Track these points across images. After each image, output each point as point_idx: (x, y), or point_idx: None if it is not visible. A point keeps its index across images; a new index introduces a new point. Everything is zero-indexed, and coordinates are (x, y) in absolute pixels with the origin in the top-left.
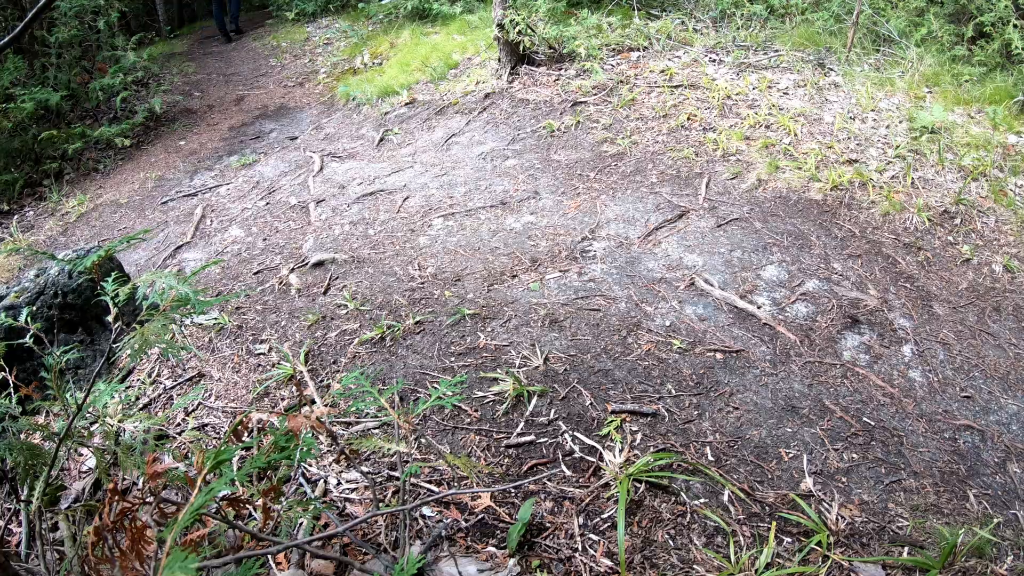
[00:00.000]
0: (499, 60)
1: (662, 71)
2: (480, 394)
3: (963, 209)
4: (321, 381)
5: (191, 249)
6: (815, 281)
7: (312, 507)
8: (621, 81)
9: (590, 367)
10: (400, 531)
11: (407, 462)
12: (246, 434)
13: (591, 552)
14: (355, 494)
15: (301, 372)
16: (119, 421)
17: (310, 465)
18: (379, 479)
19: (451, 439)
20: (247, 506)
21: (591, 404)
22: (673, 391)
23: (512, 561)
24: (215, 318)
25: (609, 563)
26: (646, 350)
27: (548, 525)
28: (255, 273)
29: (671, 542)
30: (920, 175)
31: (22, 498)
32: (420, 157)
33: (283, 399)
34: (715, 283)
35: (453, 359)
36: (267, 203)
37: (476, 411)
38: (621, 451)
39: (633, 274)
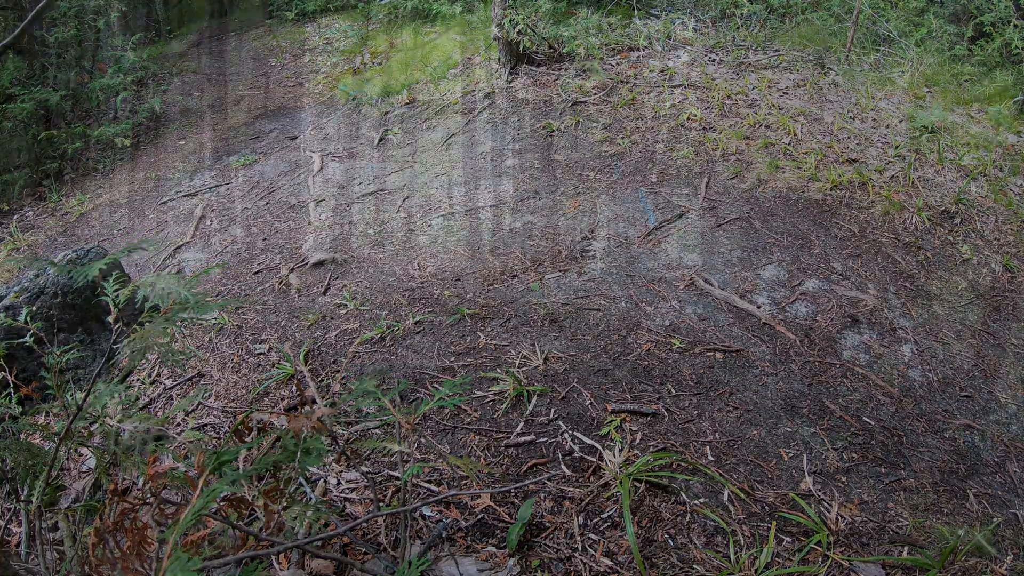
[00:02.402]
0: (499, 60)
1: (662, 71)
2: (480, 394)
3: (963, 209)
4: (321, 381)
5: (191, 249)
6: (815, 281)
7: (313, 508)
8: (621, 81)
9: (590, 367)
10: (400, 531)
11: (408, 462)
12: (249, 435)
13: (591, 552)
14: (355, 494)
15: (302, 372)
16: (119, 421)
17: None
18: (379, 479)
19: (451, 439)
20: (249, 507)
21: (591, 404)
22: (673, 391)
23: (512, 561)
24: (215, 318)
25: (609, 562)
26: (646, 350)
27: (548, 525)
28: (255, 273)
29: (671, 542)
30: (920, 175)
31: (22, 498)
32: (420, 157)
33: (283, 399)
34: (715, 283)
35: (453, 359)
36: (267, 203)
37: (476, 411)
38: (621, 451)
39: (633, 274)
